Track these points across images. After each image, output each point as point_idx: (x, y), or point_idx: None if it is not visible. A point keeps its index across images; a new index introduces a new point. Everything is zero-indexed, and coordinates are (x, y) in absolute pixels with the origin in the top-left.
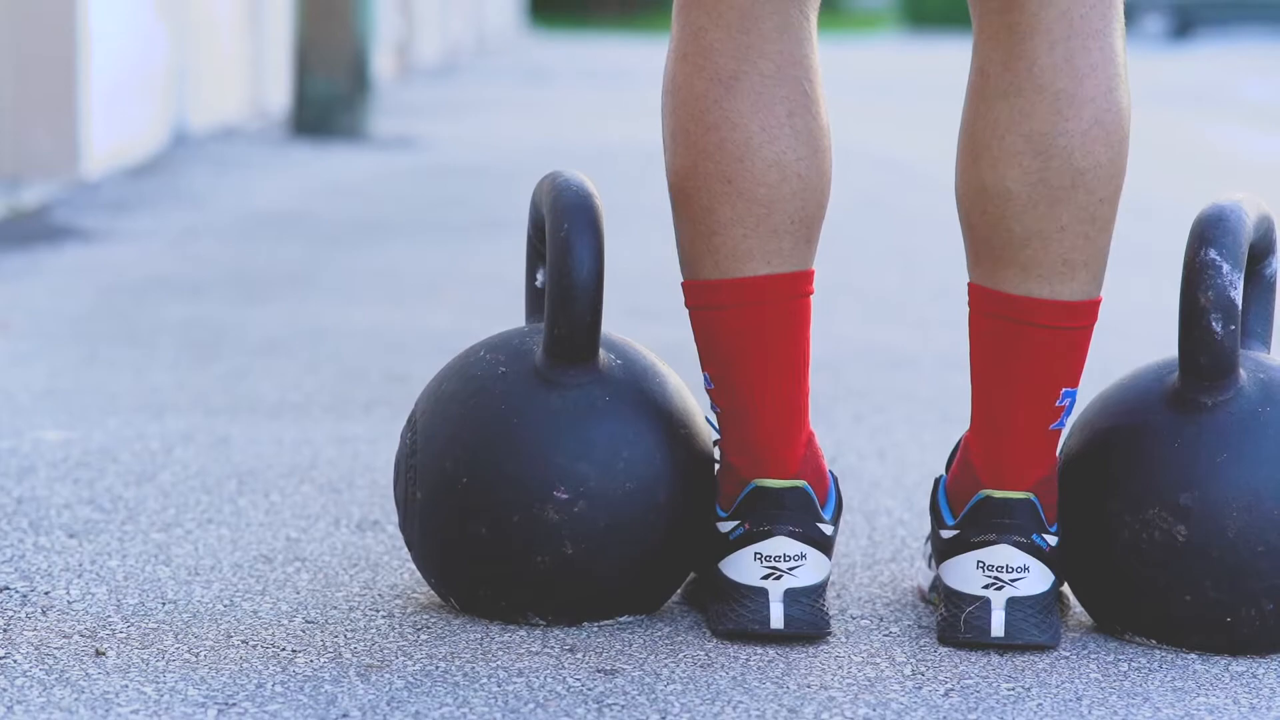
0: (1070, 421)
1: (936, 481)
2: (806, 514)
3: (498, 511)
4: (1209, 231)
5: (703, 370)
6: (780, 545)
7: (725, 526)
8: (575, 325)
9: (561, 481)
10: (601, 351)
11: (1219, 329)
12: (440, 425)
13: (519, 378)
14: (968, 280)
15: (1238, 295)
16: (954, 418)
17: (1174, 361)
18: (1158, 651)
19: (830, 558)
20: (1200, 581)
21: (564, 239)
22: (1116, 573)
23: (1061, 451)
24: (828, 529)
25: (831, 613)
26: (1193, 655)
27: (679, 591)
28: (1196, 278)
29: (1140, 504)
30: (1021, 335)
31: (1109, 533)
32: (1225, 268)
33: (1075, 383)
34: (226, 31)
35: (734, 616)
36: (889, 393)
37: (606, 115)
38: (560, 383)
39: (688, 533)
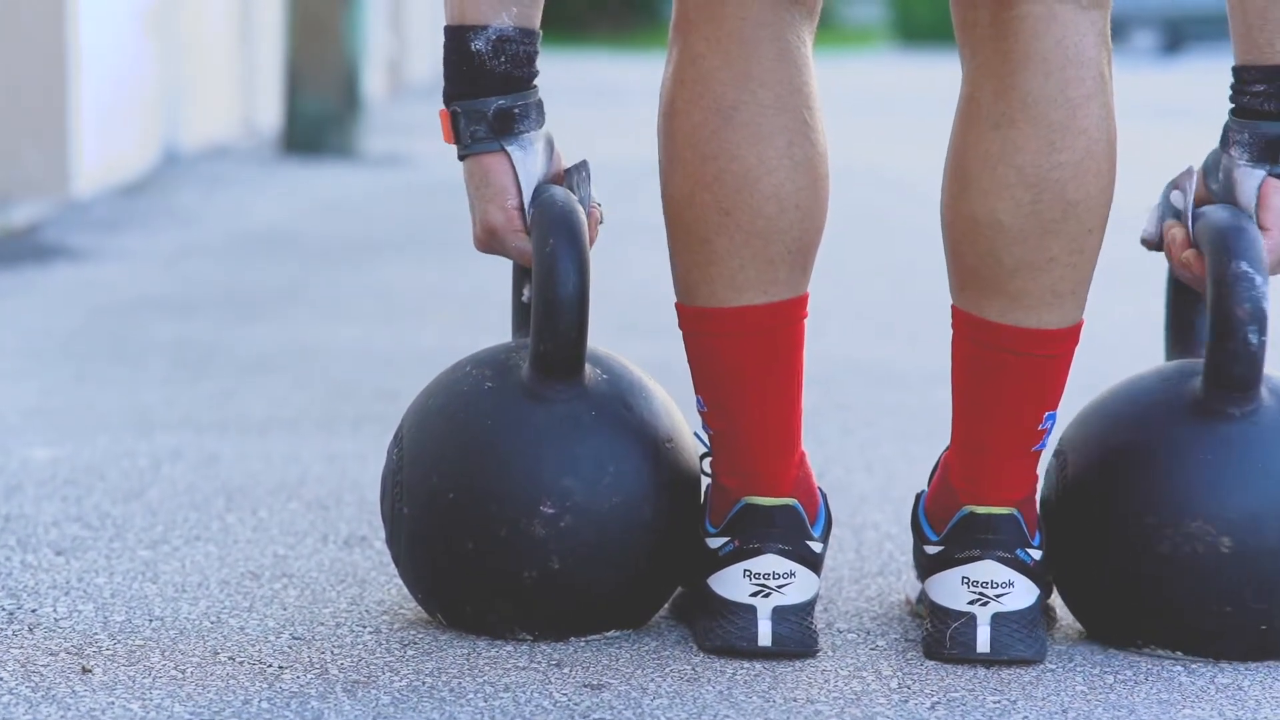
0: (1053, 440)
1: (916, 498)
2: (797, 532)
3: (484, 526)
4: (1235, 243)
5: (696, 393)
6: (770, 563)
7: (715, 543)
8: (560, 341)
9: (548, 496)
10: (588, 366)
11: (1254, 340)
12: (426, 440)
13: (505, 393)
14: (951, 303)
15: (1269, 306)
16: (942, 432)
17: (1174, 370)
18: (1143, 664)
19: (819, 575)
20: (1241, 591)
21: (549, 254)
22: (1153, 587)
23: (1070, 469)
24: (817, 547)
25: (818, 627)
26: (1178, 667)
27: (666, 606)
28: (1230, 290)
29: (1182, 517)
30: (1006, 363)
31: (1146, 548)
32: (1258, 280)
33: (1056, 405)
34: (217, 50)
35: (722, 633)
36: (877, 407)
37: (598, 132)
38: (546, 398)
39: (674, 548)
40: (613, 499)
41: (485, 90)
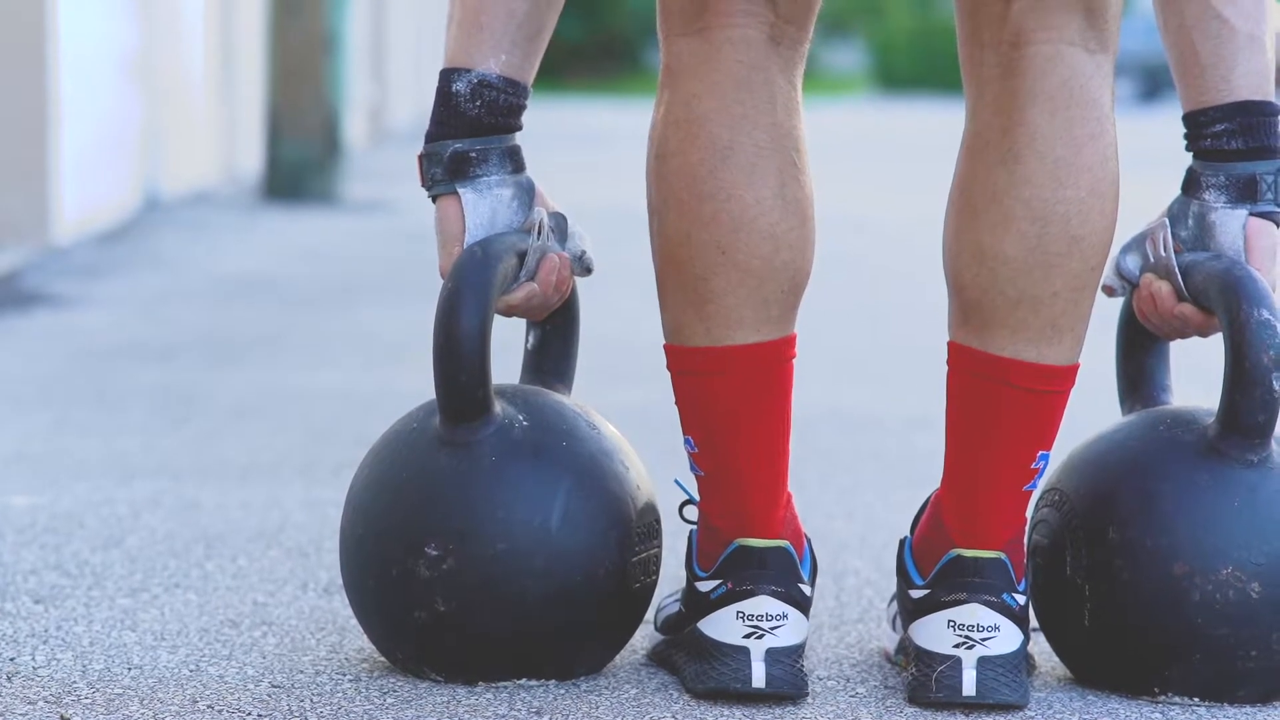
0: (1043, 483)
1: (901, 543)
2: (789, 574)
3: (380, 565)
4: (1254, 292)
5: (685, 434)
6: (763, 605)
7: (706, 586)
8: (451, 384)
9: (433, 538)
10: (506, 409)
11: (1278, 388)
12: (357, 478)
13: (421, 435)
14: (948, 339)
15: None
16: (921, 478)
17: (1160, 418)
18: (1121, 710)
19: (808, 618)
20: (1268, 636)
21: (445, 299)
22: (1184, 636)
23: (1075, 517)
24: (806, 589)
25: None
26: (1156, 715)
27: (646, 653)
28: (1254, 338)
29: (1213, 565)
30: (1005, 397)
31: (1177, 597)
32: (1278, 326)
33: (1050, 445)
34: (198, 96)
35: (715, 675)
36: (856, 453)
37: (577, 177)
38: (450, 442)
39: (574, 598)
40: (498, 545)
41: (452, 133)
